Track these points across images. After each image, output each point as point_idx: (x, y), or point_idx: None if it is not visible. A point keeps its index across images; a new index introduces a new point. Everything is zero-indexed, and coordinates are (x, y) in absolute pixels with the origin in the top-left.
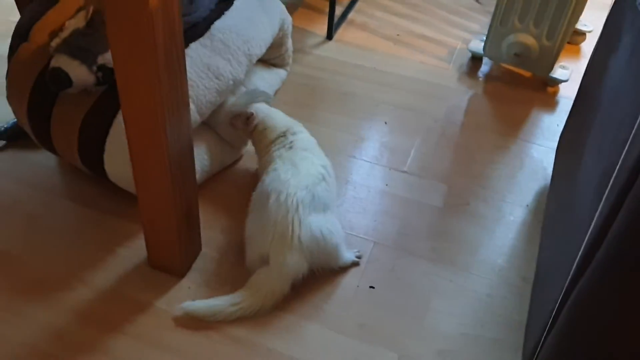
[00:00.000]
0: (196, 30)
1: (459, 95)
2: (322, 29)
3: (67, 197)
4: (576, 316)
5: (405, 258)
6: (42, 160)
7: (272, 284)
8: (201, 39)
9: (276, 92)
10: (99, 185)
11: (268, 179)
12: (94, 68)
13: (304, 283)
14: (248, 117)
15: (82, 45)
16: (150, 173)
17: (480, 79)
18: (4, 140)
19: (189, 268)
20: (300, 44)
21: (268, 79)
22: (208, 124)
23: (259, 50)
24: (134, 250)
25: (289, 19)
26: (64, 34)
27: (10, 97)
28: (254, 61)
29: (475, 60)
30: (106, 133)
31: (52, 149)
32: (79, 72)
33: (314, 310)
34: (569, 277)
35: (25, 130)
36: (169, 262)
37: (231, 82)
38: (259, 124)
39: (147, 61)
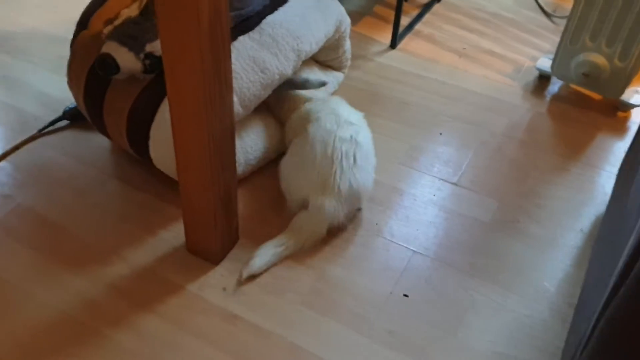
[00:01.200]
0: (247, 24)
1: (521, 112)
2: (387, 37)
3: (118, 177)
4: (609, 334)
5: (443, 270)
6: (98, 141)
7: (311, 227)
8: (250, 33)
9: (331, 95)
10: (148, 169)
11: (312, 129)
12: (142, 55)
13: (334, 285)
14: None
15: (132, 32)
16: (190, 155)
17: (546, 98)
18: (67, 120)
19: (224, 256)
20: (363, 51)
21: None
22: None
23: (309, 47)
24: (175, 233)
25: (347, 20)
26: (117, 21)
27: (69, 82)
28: (303, 58)
29: (543, 79)
30: (151, 120)
31: (105, 133)
32: (126, 59)
33: (343, 312)
34: (605, 295)
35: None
36: (205, 248)
37: (277, 77)
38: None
39: (191, 44)
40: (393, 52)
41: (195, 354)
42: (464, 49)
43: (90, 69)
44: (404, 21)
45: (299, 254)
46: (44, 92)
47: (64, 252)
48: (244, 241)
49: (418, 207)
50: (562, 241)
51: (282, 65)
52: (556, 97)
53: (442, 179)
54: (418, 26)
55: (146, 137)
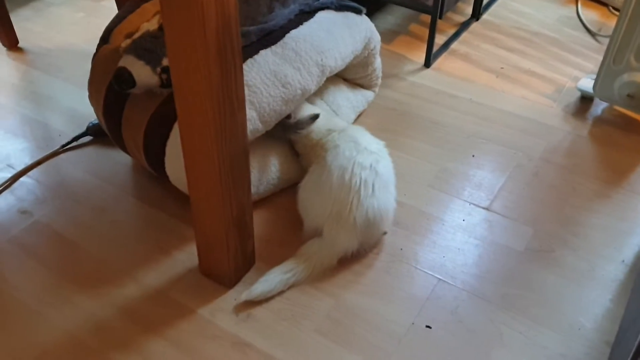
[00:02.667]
0: (270, 38)
1: (561, 135)
2: (421, 56)
3: (136, 195)
4: None
5: (471, 300)
6: (119, 158)
7: (321, 256)
8: (273, 47)
9: (360, 114)
10: (166, 187)
11: (330, 156)
12: (158, 69)
13: (351, 313)
14: (288, 117)
15: (149, 46)
16: (200, 173)
17: (588, 120)
18: (90, 136)
19: (238, 279)
20: (396, 70)
21: (353, 100)
22: (282, 138)
23: (334, 62)
24: (189, 255)
25: (376, 37)
26: (136, 35)
27: (90, 97)
28: (327, 73)
29: (585, 100)
30: (167, 136)
31: (124, 149)
32: (142, 73)
33: (359, 342)
34: None
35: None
36: (218, 270)
37: (299, 92)
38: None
39: (197, 57)
40: (427, 71)
41: None
42: (502, 68)
43: (109, 83)
44: (440, 40)
45: (315, 278)
46: (71, 107)
47: (77, 271)
48: (260, 265)
49: (446, 233)
50: (601, 273)
51: (304, 80)
52: (598, 120)
53: (473, 204)
54: (454, 45)
55: (162, 153)
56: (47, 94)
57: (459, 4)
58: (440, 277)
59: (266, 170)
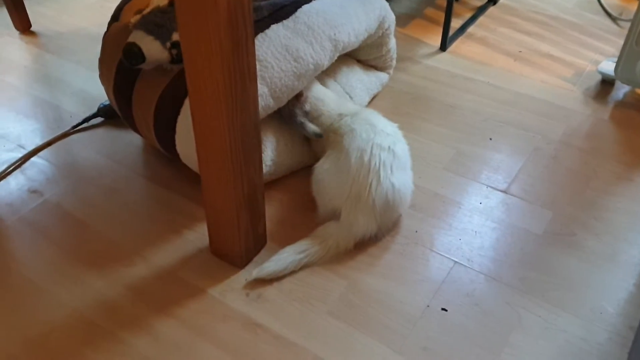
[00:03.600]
0: (281, 12)
1: (581, 118)
2: (437, 40)
3: (147, 176)
4: None
5: (488, 283)
6: (130, 139)
7: (339, 238)
8: (284, 21)
9: (374, 96)
10: (177, 168)
11: (347, 139)
12: (168, 44)
13: (365, 295)
14: (298, 97)
15: (158, 21)
16: (210, 148)
17: (609, 104)
18: (101, 117)
19: (250, 260)
20: (410, 53)
21: (366, 82)
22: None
23: (347, 38)
24: (200, 235)
25: (391, 17)
26: (146, 11)
27: (101, 76)
28: (340, 49)
29: (606, 84)
30: (178, 113)
31: (135, 128)
32: (152, 48)
33: (374, 324)
34: None
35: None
36: (229, 250)
37: (311, 67)
38: (312, 110)
39: (208, 28)
40: (443, 54)
41: None
42: (520, 52)
43: (120, 61)
44: (457, 24)
45: (328, 261)
46: (83, 89)
47: (86, 250)
48: (272, 245)
49: (462, 216)
50: (624, 257)
51: (317, 54)
52: (620, 103)
53: (490, 187)
54: (471, 29)
55: (172, 131)
56: (59, 77)
57: None
58: (457, 260)
59: (276, 149)
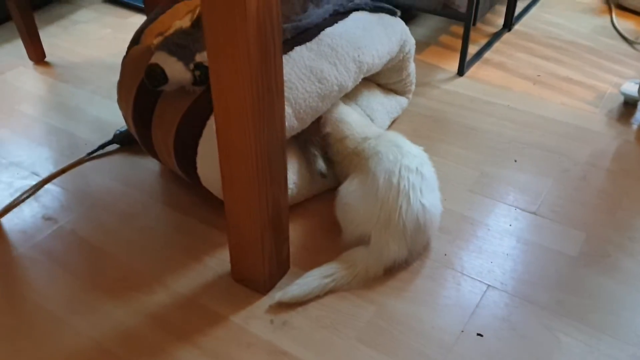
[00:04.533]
0: (305, 36)
1: (606, 140)
2: (454, 65)
3: (164, 201)
4: None
5: (523, 307)
6: (147, 165)
7: (368, 264)
8: (308, 43)
9: (394, 120)
10: (197, 193)
11: (373, 162)
12: (191, 65)
13: (395, 320)
14: (318, 121)
15: (182, 42)
16: (235, 167)
17: (634, 125)
18: (117, 144)
19: (273, 285)
20: (428, 78)
21: (387, 105)
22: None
23: (371, 60)
24: (220, 261)
25: (411, 41)
26: (168, 33)
27: (119, 101)
28: (365, 71)
29: (628, 105)
30: (200, 135)
31: (153, 153)
32: (175, 69)
33: (405, 351)
34: None
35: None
36: (252, 275)
37: (336, 88)
38: (334, 132)
39: (238, 44)
40: (460, 79)
41: None
42: (539, 76)
43: (140, 83)
44: (472, 50)
45: (355, 287)
46: (98, 117)
47: (104, 278)
48: (296, 270)
49: (492, 238)
50: None
51: (341, 76)
52: None
53: (519, 208)
54: (487, 54)
55: (194, 153)
56: (74, 105)
57: (490, 16)
58: (490, 284)
59: (299, 172)
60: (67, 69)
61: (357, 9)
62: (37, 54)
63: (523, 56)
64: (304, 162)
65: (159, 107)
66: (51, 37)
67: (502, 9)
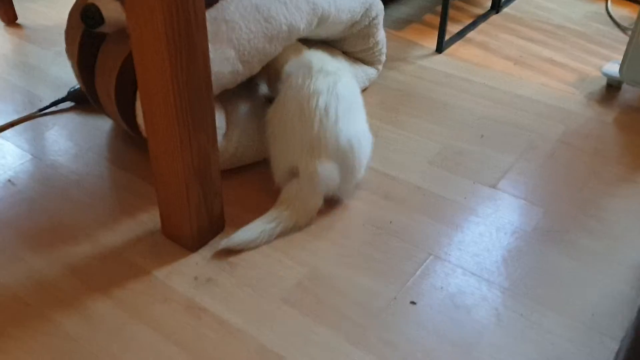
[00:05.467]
0: None
1: (582, 120)
2: (433, 43)
3: (109, 159)
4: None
5: (466, 278)
6: (98, 124)
7: (304, 197)
8: None
9: (361, 91)
10: (144, 153)
11: (283, 90)
12: None
13: (326, 283)
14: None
15: None
16: (155, 108)
17: (615, 107)
18: (70, 101)
19: (204, 243)
20: (404, 54)
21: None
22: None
23: (327, 5)
24: (154, 217)
25: (379, 5)
26: None
27: (66, 49)
28: (319, 14)
29: (611, 88)
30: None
31: (99, 104)
32: (111, 8)
33: (331, 314)
34: None
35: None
36: (179, 230)
37: (284, 28)
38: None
39: None
40: (438, 56)
41: (146, 346)
42: (521, 56)
43: (84, 30)
44: (455, 28)
45: (288, 247)
46: (59, 77)
47: (33, 230)
48: (231, 230)
49: (444, 209)
50: (619, 257)
51: (291, 15)
52: (625, 106)
53: (477, 182)
54: (470, 34)
55: (133, 101)
56: (36, 65)
57: None
58: (433, 253)
59: (241, 128)
60: (37, 31)
61: None
62: (8, 16)
63: (507, 37)
64: (252, 121)
65: (102, 53)
66: (30, 2)
67: None
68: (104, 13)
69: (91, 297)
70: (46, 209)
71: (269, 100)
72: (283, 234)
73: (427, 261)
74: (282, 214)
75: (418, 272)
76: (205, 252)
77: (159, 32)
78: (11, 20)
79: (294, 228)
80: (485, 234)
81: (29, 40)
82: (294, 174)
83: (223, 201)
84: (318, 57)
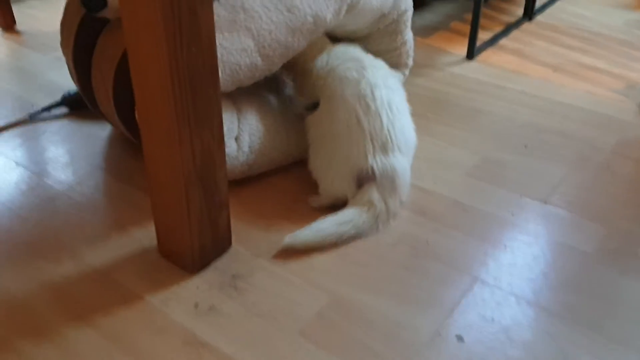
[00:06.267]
0: None
1: (636, 130)
2: (463, 50)
3: (104, 168)
4: None
5: (520, 307)
6: (93, 131)
7: (385, 197)
8: None
9: None
10: (139, 160)
11: (331, 86)
12: None
13: (351, 313)
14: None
15: None
16: (150, 95)
17: None
18: (65, 106)
19: (206, 264)
20: (432, 61)
21: None
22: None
23: None
24: (149, 232)
25: (408, 2)
26: None
27: (62, 43)
28: (347, 2)
29: None
30: None
31: (95, 105)
32: None
33: (358, 350)
34: None
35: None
36: (178, 247)
37: (310, 19)
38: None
39: None
40: (469, 63)
41: None
42: (560, 63)
43: (82, 17)
44: (486, 36)
45: (305, 269)
46: (55, 82)
47: (6, 242)
48: (239, 249)
49: (488, 227)
50: None
51: (316, 5)
52: None
53: (525, 196)
54: (503, 41)
55: (132, 94)
56: (31, 69)
57: (508, 5)
58: (478, 276)
59: (253, 132)
60: (35, 36)
61: None
62: (5, 21)
63: (543, 44)
64: (267, 121)
65: (101, 42)
66: (29, 8)
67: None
68: None
69: (71, 324)
70: (26, 221)
71: (292, 101)
72: (350, 238)
73: (474, 287)
74: (360, 216)
75: (463, 301)
76: (208, 275)
77: (153, 3)
78: (9, 25)
79: (365, 232)
80: (540, 256)
81: (26, 46)
82: (362, 178)
83: (230, 214)
84: (359, 51)
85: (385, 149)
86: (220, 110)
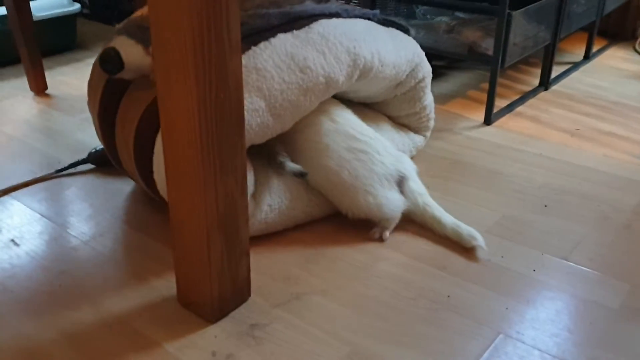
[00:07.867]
0: (294, 24)
1: None
2: (480, 116)
3: (127, 221)
4: None
5: None
6: (118, 186)
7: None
8: (295, 31)
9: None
10: (160, 213)
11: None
12: (151, 48)
13: None
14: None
15: (143, 24)
16: (177, 142)
17: None
18: (91, 163)
19: (226, 313)
20: (450, 125)
21: (398, 141)
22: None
23: (370, 57)
24: (169, 283)
25: (426, 67)
26: (132, 16)
27: (88, 102)
28: (361, 67)
29: None
30: (158, 129)
31: (118, 161)
32: (132, 52)
33: None
34: None
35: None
36: (198, 296)
37: (322, 80)
38: None
39: None
40: (486, 128)
41: None
42: (578, 129)
43: (107, 80)
44: (503, 103)
45: (325, 321)
46: (82, 141)
47: (27, 288)
48: (258, 301)
49: (510, 282)
50: None
51: (329, 66)
52: None
53: (547, 253)
54: (519, 108)
55: (151, 151)
56: (59, 129)
57: (523, 75)
58: (504, 332)
59: (273, 192)
60: (65, 100)
61: (363, 18)
62: (37, 85)
63: (560, 112)
64: (282, 180)
65: (124, 103)
66: (61, 75)
67: (537, 70)
68: (124, 57)
69: None
70: (48, 270)
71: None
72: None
73: (496, 341)
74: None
75: (486, 354)
76: (226, 324)
77: (186, 50)
78: (41, 90)
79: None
80: (564, 311)
81: (55, 108)
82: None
83: (250, 264)
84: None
85: (387, 182)
86: (244, 158)
